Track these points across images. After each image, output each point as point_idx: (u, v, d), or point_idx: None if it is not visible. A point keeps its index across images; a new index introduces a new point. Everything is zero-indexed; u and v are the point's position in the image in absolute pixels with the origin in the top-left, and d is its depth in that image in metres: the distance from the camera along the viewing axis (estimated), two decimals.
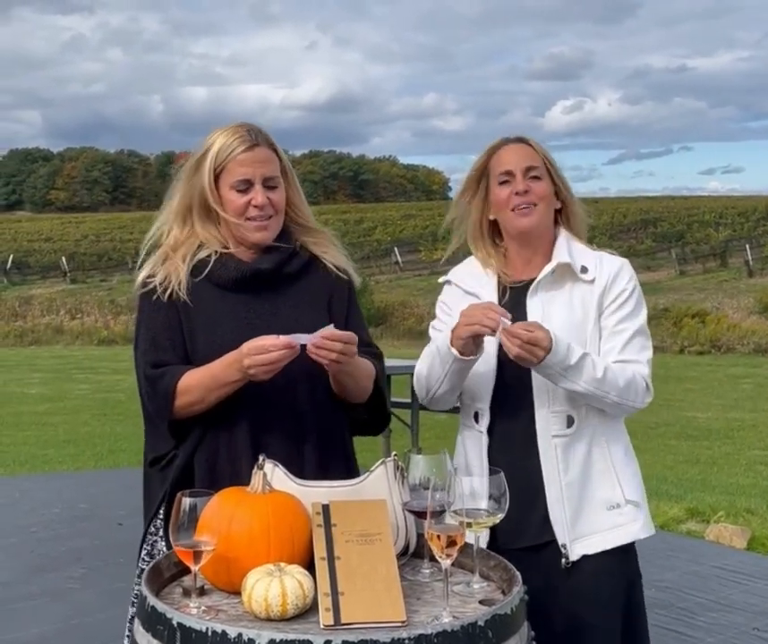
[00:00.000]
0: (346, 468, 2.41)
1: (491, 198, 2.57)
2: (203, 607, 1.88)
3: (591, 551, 2.41)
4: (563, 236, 2.56)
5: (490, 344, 2.42)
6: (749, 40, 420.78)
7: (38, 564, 5.97)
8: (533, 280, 2.51)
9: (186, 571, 1.97)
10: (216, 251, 2.44)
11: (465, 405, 2.57)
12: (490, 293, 2.54)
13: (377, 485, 2.17)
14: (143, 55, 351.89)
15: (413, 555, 2.20)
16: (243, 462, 2.33)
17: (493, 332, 2.29)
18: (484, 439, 2.48)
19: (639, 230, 48.47)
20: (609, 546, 2.41)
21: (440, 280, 2.71)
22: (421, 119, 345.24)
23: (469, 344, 2.35)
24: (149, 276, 2.45)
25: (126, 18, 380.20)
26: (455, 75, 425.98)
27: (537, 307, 2.47)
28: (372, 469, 2.21)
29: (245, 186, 2.39)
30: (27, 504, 7.71)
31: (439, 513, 1.95)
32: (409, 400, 8.85)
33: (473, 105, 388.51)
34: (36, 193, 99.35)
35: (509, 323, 2.29)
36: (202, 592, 1.97)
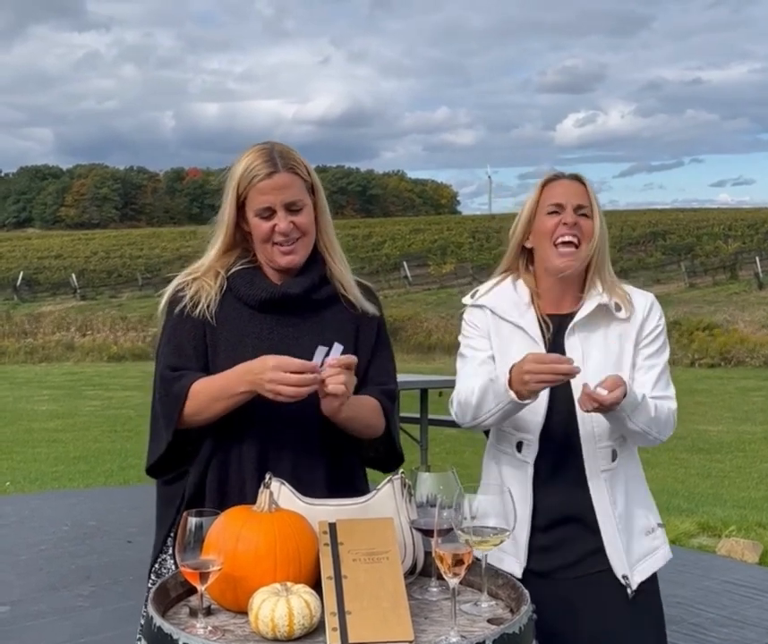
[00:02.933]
0: (356, 490, 2.35)
1: (535, 226, 2.55)
2: (210, 628, 1.87)
3: (644, 577, 2.49)
4: (595, 274, 2.55)
5: None
6: (762, 53, 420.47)
7: (48, 582, 5.97)
8: (566, 315, 2.53)
9: (193, 590, 1.96)
10: (247, 267, 2.43)
11: (506, 434, 2.54)
12: (531, 325, 2.52)
13: (384, 503, 2.16)
14: (157, 72, 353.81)
15: (420, 573, 2.19)
16: (249, 484, 2.31)
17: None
18: (530, 470, 2.48)
19: (648, 243, 48.44)
20: (655, 569, 2.52)
21: (465, 301, 2.66)
22: (432, 133, 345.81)
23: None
24: (179, 289, 2.45)
25: (141, 34, 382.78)
26: (467, 89, 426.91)
27: (576, 346, 2.48)
28: (379, 487, 2.20)
29: (268, 213, 2.37)
30: (36, 522, 7.72)
31: (446, 532, 1.94)
32: (418, 415, 8.83)
33: (485, 118, 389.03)
34: (45, 210, 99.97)
35: (587, 385, 2.30)
36: (209, 612, 1.96)
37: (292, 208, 2.37)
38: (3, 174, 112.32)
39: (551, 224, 2.50)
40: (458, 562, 1.86)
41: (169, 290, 2.48)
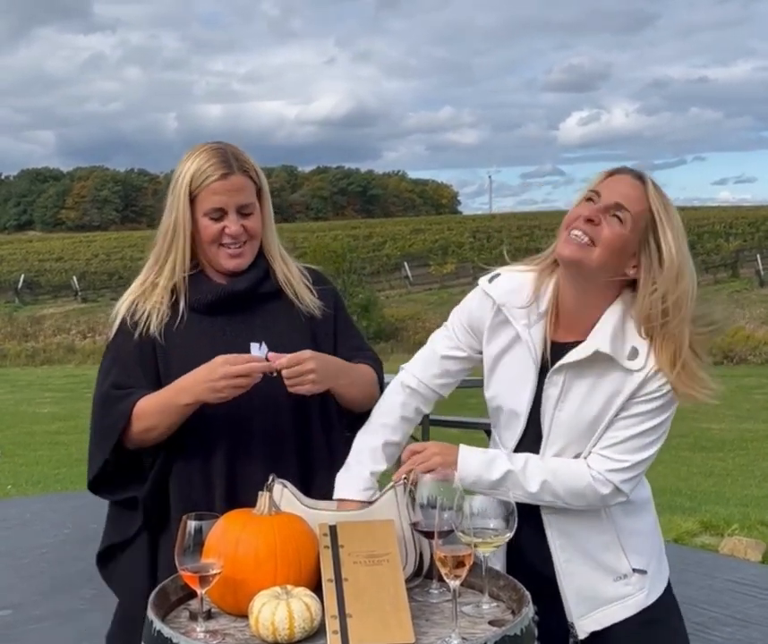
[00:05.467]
0: (331, 494, 2.32)
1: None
2: (210, 631, 1.86)
3: (599, 627, 2.27)
4: (615, 310, 2.17)
5: (521, 405, 2.27)
6: (767, 50, 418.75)
7: (50, 586, 5.96)
8: (567, 343, 2.22)
9: (193, 594, 1.95)
10: (189, 274, 2.41)
11: (496, 442, 2.41)
12: (536, 343, 2.24)
13: (386, 510, 2.13)
14: (161, 73, 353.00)
15: (426, 575, 2.16)
16: (217, 492, 2.32)
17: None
18: None
19: None
20: (617, 620, 2.27)
21: (482, 281, 2.34)
22: (436, 133, 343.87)
23: None
24: (128, 315, 2.42)
25: (147, 36, 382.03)
26: (472, 88, 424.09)
27: (556, 387, 2.21)
28: (382, 492, 2.19)
29: (219, 214, 2.35)
30: (38, 525, 7.71)
31: (447, 533, 1.93)
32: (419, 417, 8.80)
33: (489, 118, 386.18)
34: (46, 213, 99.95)
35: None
36: (209, 616, 1.95)
37: (243, 212, 2.36)
38: (3, 177, 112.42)
39: (579, 210, 2.14)
40: (459, 564, 1.86)
41: (120, 317, 2.43)
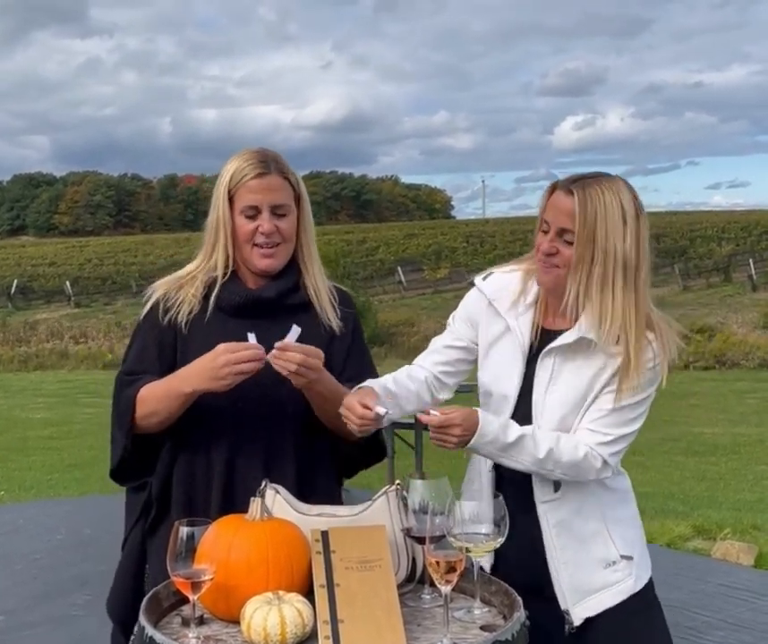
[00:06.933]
0: (329, 496, 2.37)
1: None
2: (202, 637, 1.87)
3: (593, 613, 2.35)
4: (597, 297, 2.30)
5: (510, 389, 2.37)
6: (763, 54, 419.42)
7: (43, 591, 5.94)
8: (557, 331, 2.35)
9: (185, 600, 1.95)
10: (223, 275, 2.45)
11: None
12: (524, 330, 2.39)
13: (379, 516, 2.14)
14: (157, 78, 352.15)
15: (419, 581, 2.17)
16: (214, 492, 2.37)
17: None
18: (484, 479, 2.42)
19: None
20: (608, 606, 2.35)
21: (477, 280, 2.51)
22: (431, 137, 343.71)
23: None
24: (160, 298, 2.47)
25: (143, 40, 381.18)
26: (467, 93, 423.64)
27: (546, 371, 2.34)
28: (374, 498, 2.19)
29: (253, 212, 2.41)
30: (31, 530, 7.68)
31: (438, 539, 1.94)
32: (413, 421, 8.80)
33: (484, 122, 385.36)
34: (39, 218, 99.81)
35: (431, 413, 2.27)
36: (201, 622, 1.96)
37: (277, 212, 2.42)
38: None
39: (539, 242, 2.34)
40: (450, 569, 1.86)
41: (150, 302, 2.48)
